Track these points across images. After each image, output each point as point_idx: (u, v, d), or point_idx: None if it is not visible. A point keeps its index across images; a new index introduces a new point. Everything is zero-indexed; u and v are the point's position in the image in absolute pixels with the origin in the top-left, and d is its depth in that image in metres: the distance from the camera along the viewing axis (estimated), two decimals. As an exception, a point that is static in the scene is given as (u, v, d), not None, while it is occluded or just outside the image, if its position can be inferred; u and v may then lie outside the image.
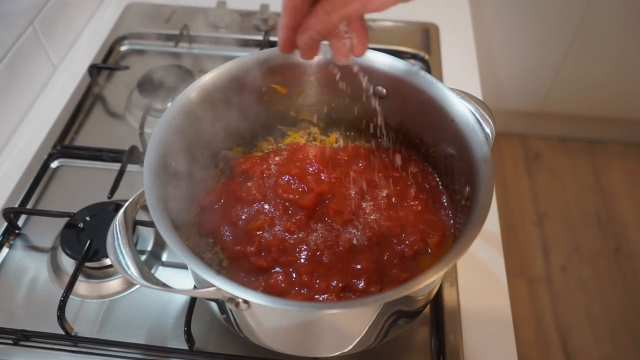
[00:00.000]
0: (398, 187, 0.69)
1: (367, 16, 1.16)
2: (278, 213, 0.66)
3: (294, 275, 0.62)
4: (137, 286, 0.75)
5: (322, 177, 0.69)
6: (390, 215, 0.67)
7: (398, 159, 0.72)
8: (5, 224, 0.80)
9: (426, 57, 1.06)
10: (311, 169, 0.70)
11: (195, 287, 0.65)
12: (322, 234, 0.65)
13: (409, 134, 0.74)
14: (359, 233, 0.65)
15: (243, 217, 0.67)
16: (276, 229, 0.65)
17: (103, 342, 0.69)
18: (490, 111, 0.65)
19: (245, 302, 0.51)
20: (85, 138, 0.94)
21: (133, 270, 0.56)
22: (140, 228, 0.80)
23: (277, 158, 0.72)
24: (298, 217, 0.65)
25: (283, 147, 0.76)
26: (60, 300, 0.69)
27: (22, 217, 0.83)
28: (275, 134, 0.79)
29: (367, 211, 0.67)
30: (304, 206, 0.66)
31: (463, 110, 0.64)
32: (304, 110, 0.78)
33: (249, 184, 0.69)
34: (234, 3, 1.15)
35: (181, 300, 0.73)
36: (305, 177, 0.69)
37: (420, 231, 0.66)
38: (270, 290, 0.61)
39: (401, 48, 1.06)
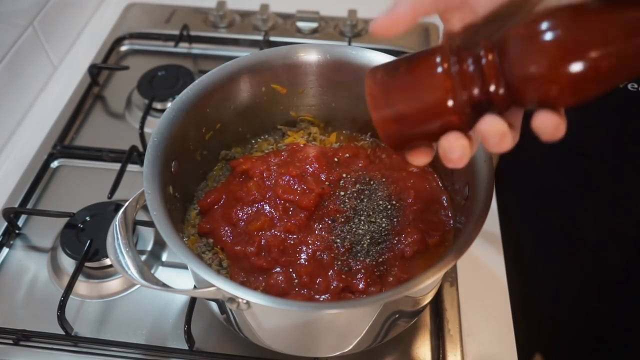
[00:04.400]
0: (398, 187, 0.69)
1: (366, 15, 1.15)
2: (278, 213, 0.66)
3: (294, 276, 0.62)
4: (137, 286, 0.75)
5: (322, 178, 0.69)
6: (390, 215, 0.67)
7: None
8: (5, 224, 0.80)
9: (426, 57, 1.06)
10: (311, 169, 0.70)
11: (195, 287, 0.65)
12: (322, 234, 0.65)
13: (409, 134, 0.74)
14: (358, 233, 0.65)
15: (243, 218, 0.67)
16: (276, 230, 0.65)
17: (103, 342, 0.69)
18: (490, 111, 0.64)
19: (246, 302, 0.51)
20: (85, 138, 0.94)
21: (133, 270, 0.56)
22: (140, 228, 0.80)
23: (277, 158, 0.72)
24: (298, 218, 0.65)
25: (283, 148, 0.76)
26: (60, 300, 0.69)
27: (22, 217, 0.83)
28: (275, 134, 0.79)
29: (367, 211, 0.67)
30: (304, 206, 0.66)
31: (463, 110, 0.64)
32: (304, 110, 0.78)
33: (249, 184, 0.69)
34: (234, 3, 1.15)
35: (181, 300, 0.73)
36: (305, 178, 0.69)
37: (420, 231, 0.66)
38: (271, 291, 0.61)
39: (401, 48, 1.06)
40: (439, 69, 0.43)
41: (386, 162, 0.74)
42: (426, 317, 0.72)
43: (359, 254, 0.64)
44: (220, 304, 0.61)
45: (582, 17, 0.39)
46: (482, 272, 0.77)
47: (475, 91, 0.42)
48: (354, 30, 1.10)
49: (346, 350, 0.63)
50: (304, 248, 0.64)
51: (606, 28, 0.39)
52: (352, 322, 0.59)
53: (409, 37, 1.10)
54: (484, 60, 0.42)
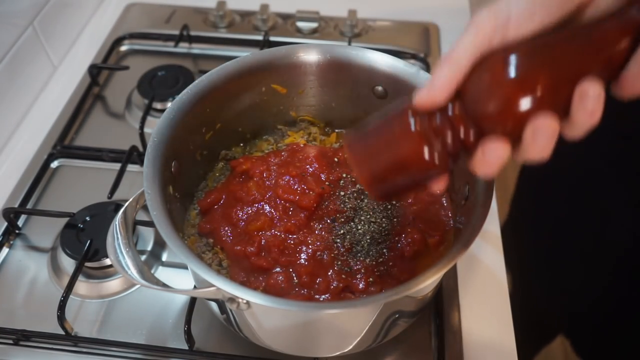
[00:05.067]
0: (398, 187, 0.69)
1: (366, 15, 1.15)
2: (278, 213, 0.66)
3: (294, 276, 0.62)
4: (137, 286, 0.75)
5: (322, 178, 0.69)
6: (390, 215, 0.67)
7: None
8: (5, 224, 0.80)
9: (426, 57, 1.06)
10: (311, 170, 0.70)
11: (195, 287, 0.65)
12: (322, 234, 0.65)
13: (409, 134, 0.74)
14: (358, 233, 0.65)
15: (243, 218, 0.67)
16: (276, 230, 0.65)
17: (103, 342, 0.69)
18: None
19: (246, 302, 0.51)
20: (85, 138, 0.94)
21: (133, 270, 0.56)
22: (140, 228, 0.80)
23: (277, 158, 0.72)
24: (298, 218, 0.65)
25: (283, 148, 0.76)
26: (60, 300, 0.69)
27: (22, 217, 0.83)
28: (275, 134, 0.79)
29: (367, 211, 0.67)
30: (304, 207, 0.66)
31: (463, 110, 0.64)
32: (304, 110, 0.78)
33: (249, 184, 0.69)
34: (234, 3, 1.15)
35: (181, 300, 0.73)
36: (305, 178, 0.69)
37: (420, 231, 0.66)
38: (271, 291, 0.61)
39: (401, 48, 1.06)
40: (412, 127, 0.46)
41: (386, 162, 0.74)
42: (426, 317, 0.72)
43: (359, 254, 0.64)
44: (220, 304, 0.61)
45: (534, 50, 0.41)
46: (482, 272, 0.77)
47: (449, 140, 0.45)
48: (354, 30, 1.10)
49: (346, 350, 0.63)
50: (304, 248, 0.64)
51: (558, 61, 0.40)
52: (352, 322, 0.59)
53: (410, 36, 1.10)
54: (450, 112, 0.44)
